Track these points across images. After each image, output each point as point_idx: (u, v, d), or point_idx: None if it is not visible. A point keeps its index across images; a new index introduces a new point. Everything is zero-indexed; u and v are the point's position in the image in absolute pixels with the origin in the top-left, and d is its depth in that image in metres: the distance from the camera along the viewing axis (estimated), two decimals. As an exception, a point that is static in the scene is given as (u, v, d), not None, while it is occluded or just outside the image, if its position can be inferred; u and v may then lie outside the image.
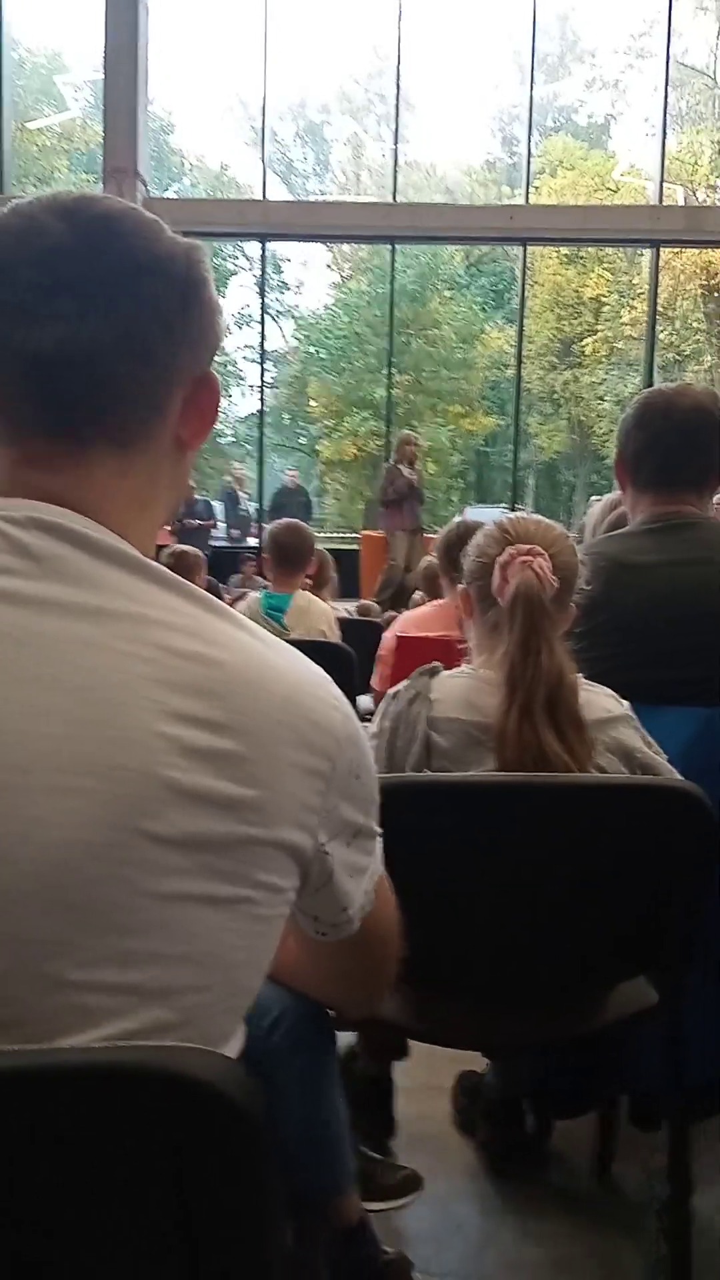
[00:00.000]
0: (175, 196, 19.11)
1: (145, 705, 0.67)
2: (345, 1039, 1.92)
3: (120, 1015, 0.65)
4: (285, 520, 3.78)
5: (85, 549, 0.71)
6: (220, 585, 9.52)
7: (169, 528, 10.02)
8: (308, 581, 3.70)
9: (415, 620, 3.22)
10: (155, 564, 0.74)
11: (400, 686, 1.46)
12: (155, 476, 0.81)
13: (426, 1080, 2.05)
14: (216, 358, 0.87)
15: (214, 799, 0.68)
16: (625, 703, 1.46)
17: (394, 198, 13.05)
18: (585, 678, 1.43)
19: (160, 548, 5.74)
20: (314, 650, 0.80)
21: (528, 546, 1.39)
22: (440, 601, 3.21)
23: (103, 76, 11.21)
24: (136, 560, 0.73)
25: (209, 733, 0.68)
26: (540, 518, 1.51)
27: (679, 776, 1.42)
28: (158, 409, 0.80)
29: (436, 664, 1.48)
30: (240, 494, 13.24)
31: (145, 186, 11.36)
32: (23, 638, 0.67)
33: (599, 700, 1.43)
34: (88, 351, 0.74)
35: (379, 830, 0.85)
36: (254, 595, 3.64)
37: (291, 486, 13.43)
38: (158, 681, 0.68)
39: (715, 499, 2.04)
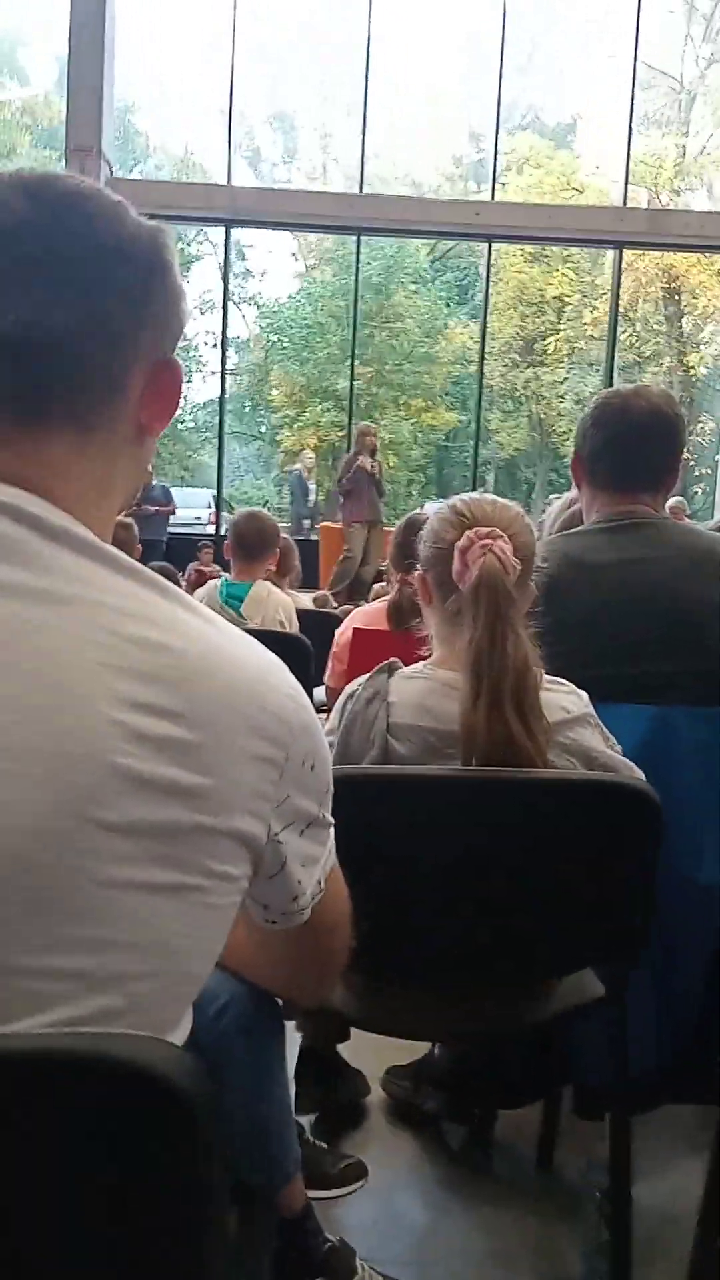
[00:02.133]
0: (140, 178, 18.84)
1: (98, 691, 0.66)
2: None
3: (67, 1001, 0.65)
4: (248, 509, 3.76)
5: (40, 531, 0.70)
6: (178, 573, 9.45)
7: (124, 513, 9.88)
8: (270, 570, 3.68)
9: (367, 615, 3.21)
10: (111, 548, 0.73)
11: (357, 685, 1.44)
12: (114, 460, 0.80)
13: (372, 1070, 2.06)
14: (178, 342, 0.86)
15: (166, 787, 0.67)
16: (584, 696, 1.45)
17: (360, 189, 13.02)
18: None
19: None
20: (270, 641, 0.80)
21: (487, 529, 1.36)
22: (389, 597, 3.20)
23: (68, 52, 11.05)
24: (92, 544, 0.72)
25: (162, 720, 0.68)
26: (495, 497, 1.48)
27: (639, 774, 1.43)
28: (119, 393, 0.79)
29: (395, 660, 1.46)
30: (310, 483, 12.41)
31: (109, 167, 11.23)
32: None
33: (558, 699, 1.41)
34: (52, 333, 0.74)
35: (332, 820, 0.85)
36: (213, 583, 3.61)
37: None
38: (111, 667, 0.67)
39: (670, 501, 2.07)
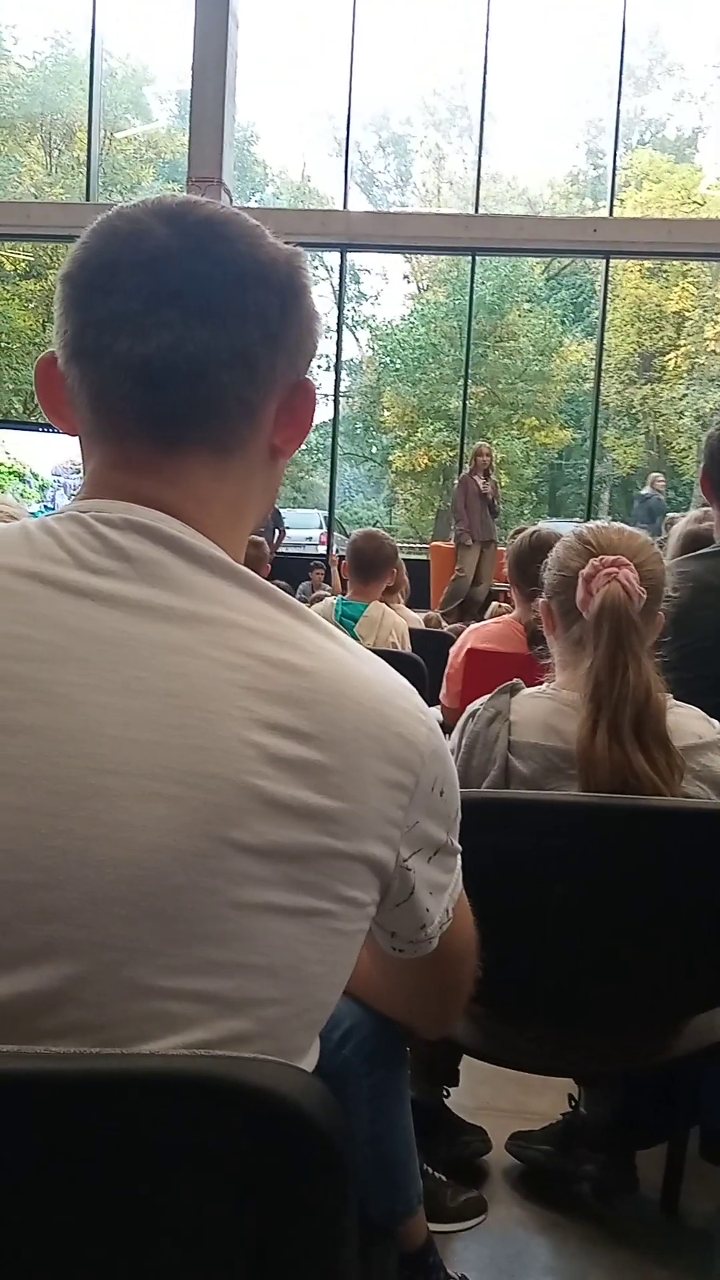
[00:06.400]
0: (258, 205, 19.28)
1: (235, 713, 0.66)
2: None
3: (199, 1024, 0.64)
4: (366, 530, 3.78)
5: (179, 553, 0.71)
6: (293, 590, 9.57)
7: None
8: (386, 590, 3.69)
9: (483, 634, 3.18)
10: (246, 570, 0.74)
11: (479, 704, 1.43)
12: (249, 483, 0.81)
13: (490, 1102, 2.02)
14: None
15: (299, 809, 0.67)
16: (716, 724, 1.41)
17: (475, 209, 13.03)
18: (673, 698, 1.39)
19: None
20: (386, 659, 0.79)
21: (613, 558, 1.35)
22: (507, 617, 3.17)
23: (190, 87, 11.40)
24: (229, 566, 0.73)
25: (296, 742, 0.67)
26: (623, 526, 1.46)
27: None
28: (255, 416, 0.79)
29: (517, 681, 1.45)
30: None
31: (229, 196, 11.51)
32: (118, 640, 0.67)
33: (689, 724, 1.38)
34: (192, 361, 0.74)
35: (459, 848, 0.83)
36: (329, 600, 3.64)
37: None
38: (248, 689, 0.67)
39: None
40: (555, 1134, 1.88)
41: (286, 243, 0.82)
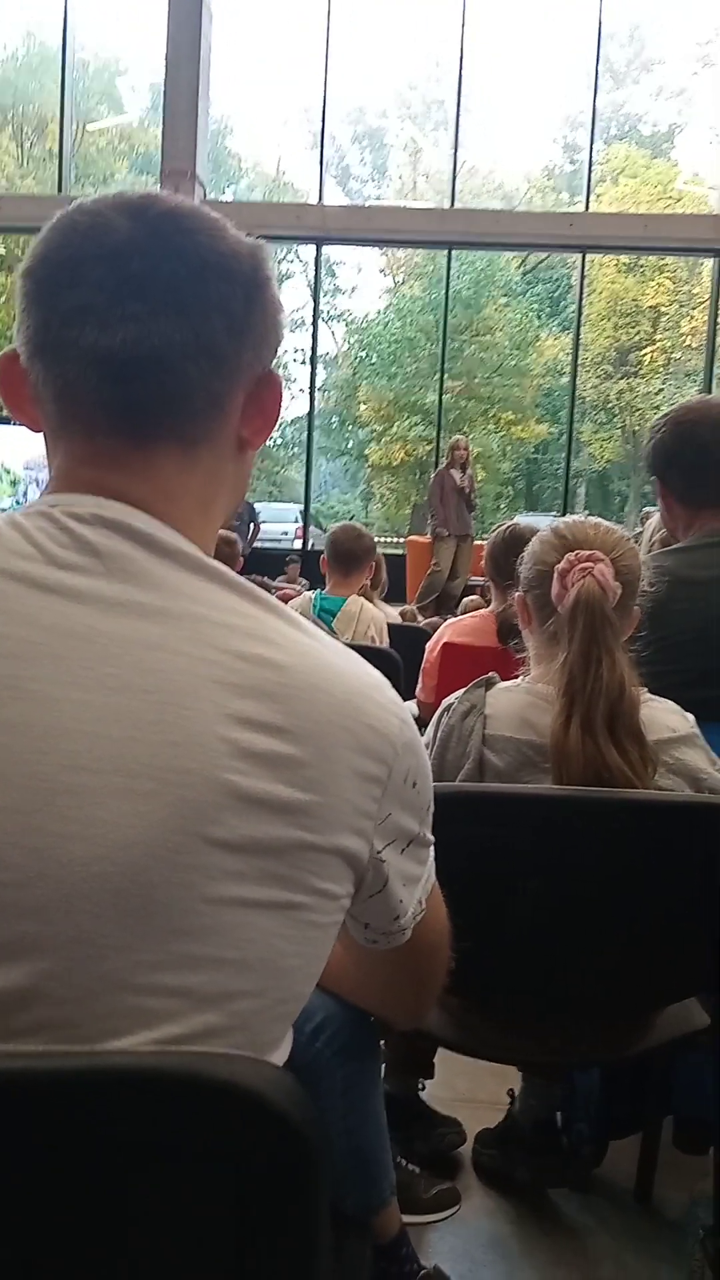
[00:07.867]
0: (232, 199, 19.21)
1: (208, 708, 0.66)
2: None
3: (172, 1019, 0.64)
4: (344, 523, 3.78)
5: (149, 548, 0.71)
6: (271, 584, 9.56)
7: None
8: (365, 583, 3.69)
9: (458, 629, 3.18)
10: (217, 564, 0.74)
11: (454, 698, 1.44)
12: (218, 476, 0.81)
13: (466, 1094, 2.03)
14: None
15: (273, 804, 0.67)
16: (690, 717, 1.42)
17: (452, 203, 13.02)
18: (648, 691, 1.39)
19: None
20: (362, 654, 0.79)
21: (588, 553, 1.35)
22: (483, 611, 3.17)
23: (163, 79, 11.32)
24: (198, 560, 0.73)
25: (269, 736, 0.67)
26: (599, 521, 1.47)
27: None
28: (222, 408, 0.79)
29: (493, 675, 1.45)
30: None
31: (203, 189, 11.45)
32: (90, 636, 0.67)
33: (663, 718, 1.39)
34: (157, 353, 0.74)
35: (432, 839, 0.84)
36: (308, 595, 3.64)
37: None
38: (220, 684, 0.67)
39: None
40: (494, 1137, 1.89)
41: (261, 236, 0.82)
